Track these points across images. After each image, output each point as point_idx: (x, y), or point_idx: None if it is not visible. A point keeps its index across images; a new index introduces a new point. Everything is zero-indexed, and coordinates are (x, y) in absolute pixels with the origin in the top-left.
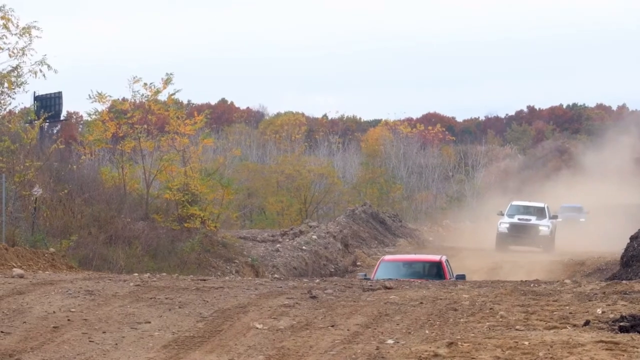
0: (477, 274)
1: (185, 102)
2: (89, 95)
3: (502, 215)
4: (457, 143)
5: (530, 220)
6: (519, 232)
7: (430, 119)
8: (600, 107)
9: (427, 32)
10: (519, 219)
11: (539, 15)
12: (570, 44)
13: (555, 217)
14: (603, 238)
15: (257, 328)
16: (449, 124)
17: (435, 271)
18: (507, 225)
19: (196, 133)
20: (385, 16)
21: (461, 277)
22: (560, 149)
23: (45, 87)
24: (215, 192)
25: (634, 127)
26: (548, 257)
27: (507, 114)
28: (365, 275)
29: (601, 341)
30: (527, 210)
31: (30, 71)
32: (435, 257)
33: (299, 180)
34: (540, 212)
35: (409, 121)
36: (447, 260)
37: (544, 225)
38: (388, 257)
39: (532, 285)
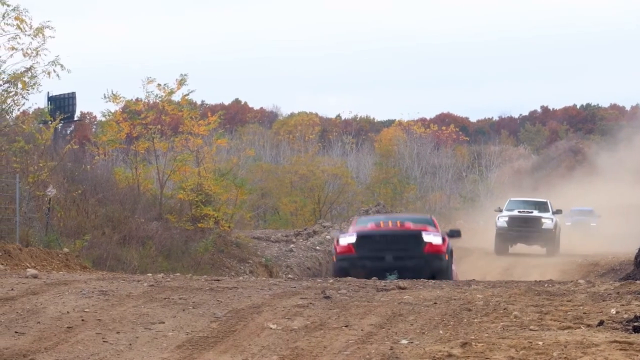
0: (490, 274)
1: (199, 102)
2: (104, 95)
3: (501, 211)
4: (471, 143)
5: (531, 212)
6: (520, 225)
7: (444, 119)
8: (613, 107)
9: (440, 31)
10: (519, 212)
11: (553, 15)
12: (584, 44)
13: (559, 211)
14: (616, 240)
15: (271, 328)
16: (462, 124)
17: (424, 223)
18: (507, 219)
19: (210, 133)
20: (398, 16)
21: (456, 233)
22: (574, 149)
23: (58, 88)
24: (229, 193)
25: None
26: (561, 257)
27: (520, 114)
28: (341, 230)
29: (615, 341)
30: (527, 204)
31: (43, 71)
32: (426, 214)
33: (312, 181)
34: (542, 206)
35: (423, 121)
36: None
37: (547, 218)
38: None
39: (546, 285)
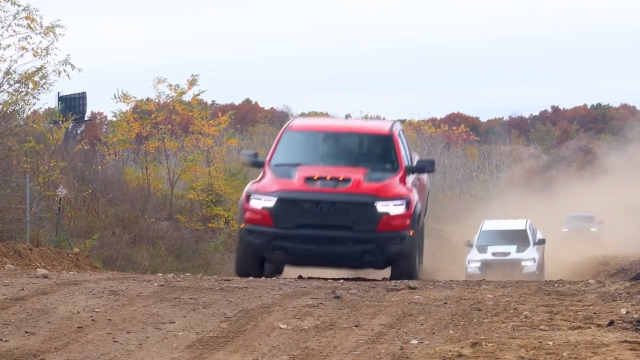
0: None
1: (209, 102)
2: (114, 95)
3: (471, 246)
4: (481, 143)
5: (508, 253)
6: (494, 271)
7: (454, 119)
8: (624, 107)
9: (451, 31)
10: (493, 254)
11: (564, 15)
12: (594, 44)
13: (542, 241)
14: (620, 246)
15: (281, 328)
16: (473, 124)
17: (381, 151)
18: (479, 265)
19: (220, 134)
20: (408, 15)
21: (427, 165)
22: (584, 149)
23: (69, 88)
24: (239, 192)
25: None
26: (571, 257)
27: (531, 114)
28: (256, 154)
29: (625, 341)
30: (503, 236)
31: (54, 71)
32: (383, 127)
33: None
34: (520, 238)
35: (433, 121)
36: (403, 133)
37: (528, 259)
38: (299, 122)
39: (556, 285)
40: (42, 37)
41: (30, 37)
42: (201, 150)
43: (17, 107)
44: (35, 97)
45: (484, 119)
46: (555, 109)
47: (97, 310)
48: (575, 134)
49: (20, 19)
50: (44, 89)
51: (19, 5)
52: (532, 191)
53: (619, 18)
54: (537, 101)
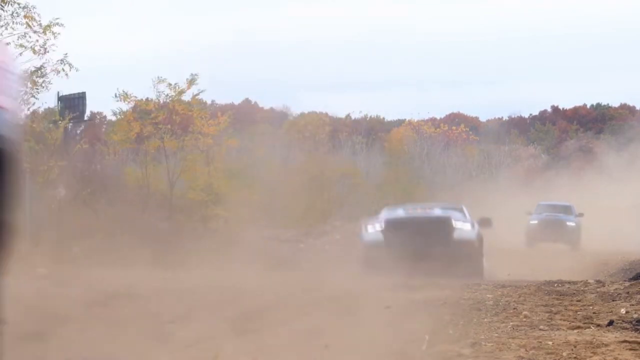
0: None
1: (209, 102)
2: (115, 94)
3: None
4: (481, 143)
5: None
6: None
7: (454, 119)
8: (624, 107)
9: (450, 30)
10: None
11: (564, 15)
12: (594, 44)
13: None
14: (620, 243)
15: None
16: (472, 124)
17: None
18: None
19: (220, 134)
20: (407, 14)
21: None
22: (584, 148)
23: (68, 88)
24: (239, 192)
25: None
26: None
27: (530, 114)
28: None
29: (625, 341)
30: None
31: (52, 70)
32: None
33: (322, 180)
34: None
35: (433, 121)
36: None
37: None
38: None
39: (555, 285)
40: (39, 36)
41: (29, 36)
42: (200, 150)
43: None
44: (34, 97)
45: (483, 118)
46: (555, 109)
47: (96, 309)
48: (575, 134)
49: (19, 17)
50: (43, 87)
51: (18, 4)
52: (532, 191)
53: (619, 18)
54: (537, 101)
